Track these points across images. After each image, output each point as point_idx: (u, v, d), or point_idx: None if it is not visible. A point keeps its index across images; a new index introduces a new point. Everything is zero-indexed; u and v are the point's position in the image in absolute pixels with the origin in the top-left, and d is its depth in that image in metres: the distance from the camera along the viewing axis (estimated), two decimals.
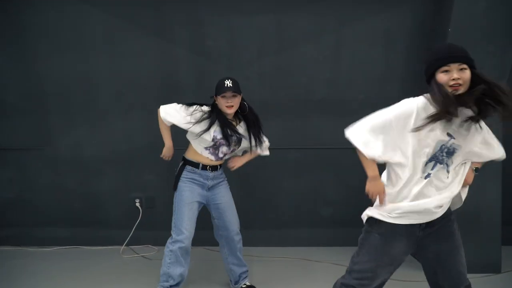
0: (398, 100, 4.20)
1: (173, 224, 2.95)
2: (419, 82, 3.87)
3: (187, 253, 2.95)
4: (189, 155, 3.00)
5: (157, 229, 4.01)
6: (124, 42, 4.02)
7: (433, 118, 1.79)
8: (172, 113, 2.91)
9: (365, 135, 1.92)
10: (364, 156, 1.93)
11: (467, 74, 1.77)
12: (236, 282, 3.18)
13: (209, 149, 2.95)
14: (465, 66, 1.76)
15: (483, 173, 3.58)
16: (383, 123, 1.90)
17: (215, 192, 3.03)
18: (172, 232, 2.95)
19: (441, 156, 1.89)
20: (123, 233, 4.14)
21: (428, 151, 1.87)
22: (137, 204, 4.17)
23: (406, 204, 1.93)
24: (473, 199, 3.51)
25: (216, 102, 2.90)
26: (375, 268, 1.97)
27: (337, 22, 3.96)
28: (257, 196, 4.15)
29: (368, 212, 2.06)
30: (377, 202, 2.04)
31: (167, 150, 3.08)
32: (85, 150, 4.19)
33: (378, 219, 1.99)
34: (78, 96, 4.11)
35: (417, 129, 1.81)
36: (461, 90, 1.77)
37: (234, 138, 2.94)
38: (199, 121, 2.83)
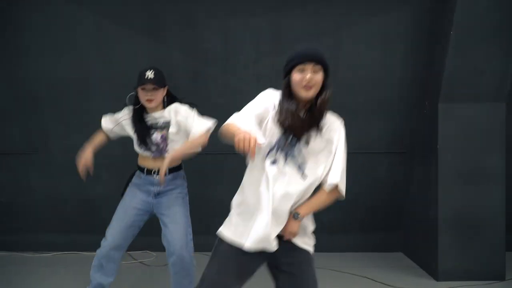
0: (397, 104, 4.18)
1: None
2: (417, 86, 3.88)
3: (110, 261, 2.69)
4: (138, 160, 2.80)
5: (153, 235, 3.93)
6: (118, 44, 3.98)
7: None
8: (108, 119, 2.87)
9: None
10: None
11: (320, 76, 1.80)
12: None
13: (141, 145, 2.69)
14: (319, 67, 1.79)
15: (486, 179, 3.58)
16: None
17: (160, 201, 2.70)
18: None
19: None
20: None
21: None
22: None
23: None
24: (477, 206, 3.50)
25: (137, 93, 2.63)
26: None
27: (335, 24, 3.93)
28: None
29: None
30: None
31: (84, 153, 2.80)
32: (79, 154, 4.13)
33: None
34: (72, 99, 4.08)
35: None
36: (312, 92, 1.79)
37: (159, 123, 2.66)
38: (120, 122, 2.75)
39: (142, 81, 2.54)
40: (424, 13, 3.78)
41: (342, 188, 1.83)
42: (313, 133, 1.81)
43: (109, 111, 4.00)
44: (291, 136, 1.80)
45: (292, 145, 1.81)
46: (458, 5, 3.30)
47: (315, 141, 1.82)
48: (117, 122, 2.79)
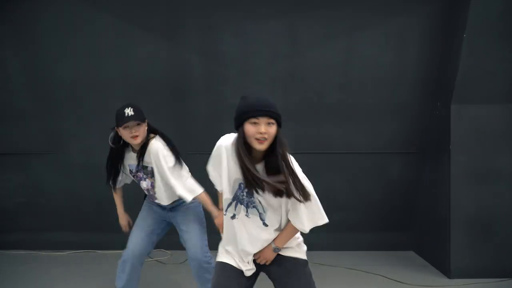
0: (409, 105, 4.22)
1: None
2: (430, 87, 3.95)
3: (132, 268, 2.77)
4: None
5: (169, 234, 4.01)
6: (138, 47, 4.07)
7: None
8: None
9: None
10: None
11: (273, 129, 1.80)
12: None
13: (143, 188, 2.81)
14: (273, 121, 1.80)
15: (498, 179, 3.64)
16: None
17: (176, 214, 2.82)
18: None
19: (242, 196, 1.94)
20: None
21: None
22: None
23: None
24: (489, 205, 3.56)
25: (119, 133, 2.61)
26: None
27: (349, 27, 3.99)
28: None
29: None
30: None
31: (121, 218, 3.01)
32: (97, 155, 4.20)
33: None
34: (91, 101, 4.17)
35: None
36: (266, 144, 1.79)
37: (148, 168, 2.68)
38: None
39: (123, 120, 2.50)
40: (437, 15, 3.84)
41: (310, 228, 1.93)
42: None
43: None
44: (245, 190, 1.88)
45: (250, 196, 1.89)
46: (471, 7, 3.36)
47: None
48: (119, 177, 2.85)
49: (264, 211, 1.91)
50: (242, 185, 1.89)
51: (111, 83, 4.14)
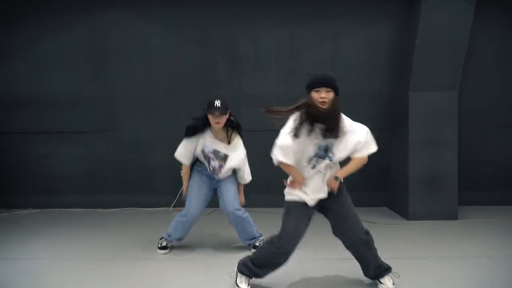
0: (381, 91, 5.12)
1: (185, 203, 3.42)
2: (393, 78, 4.97)
3: (191, 224, 3.39)
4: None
5: None
6: (177, 51, 5.04)
7: (300, 121, 2.50)
8: (183, 152, 3.35)
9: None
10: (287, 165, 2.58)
11: (331, 95, 2.47)
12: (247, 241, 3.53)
13: (205, 163, 3.33)
14: (330, 89, 2.46)
15: (443, 149, 4.49)
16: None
17: (222, 182, 3.39)
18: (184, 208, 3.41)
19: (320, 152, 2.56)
20: (170, 198, 4.95)
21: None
22: (181, 174, 5.10)
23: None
24: (437, 168, 4.55)
25: (207, 116, 3.22)
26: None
27: (334, 34, 4.99)
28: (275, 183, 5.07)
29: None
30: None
31: (185, 188, 3.43)
32: (143, 133, 5.20)
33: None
34: (140, 92, 5.13)
35: (295, 134, 2.51)
36: (326, 106, 2.46)
37: (220, 154, 3.28)
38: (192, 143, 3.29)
39: (212, 109, 3.14)
40: (399, 25, 4.81)
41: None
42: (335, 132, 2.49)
43: (168, 101, 5.08)
44: (324, 144, 2.50)
45: (324, 150, 2.53)
46: (421, 21, 4.33)
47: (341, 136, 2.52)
48: (191, 152, 3.35)
49: (333, 154, 2.54)
50: (319, 145, 2.52)
51: (156, 79, 5.10)
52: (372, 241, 2.68)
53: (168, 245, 3.55)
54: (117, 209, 5.20)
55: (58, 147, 5.29)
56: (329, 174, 2.62)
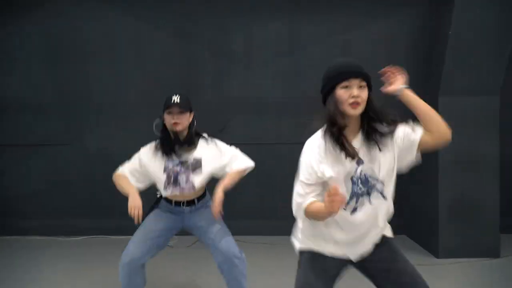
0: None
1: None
2: (417, 81, 4.22)
3: (135, 272, 2.60)
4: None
5: None
6: (155, 45, 4.48)
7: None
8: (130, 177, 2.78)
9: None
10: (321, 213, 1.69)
11: (365, 93, 1.66)
12: None
13: (169, 185, 2.60)
14: (364, 84, 1.66)
15: (481, 167, 3.91)
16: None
17: (194, 216, 2.69)
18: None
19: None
20: None
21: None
22: (158, 196, 4.47)
23: None
24: (473, 191, 3.86)
25: (164, 120, 2.58)
26: None
27: (343, 27, 4.39)
28: (271, 191, 4.40)
29: None
30: None
31: (132, 200, 2.56)
32: (113, 145, 4.57)
33: None
34: (108, 96, 4.55)
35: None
36: (359, 110, 1.65)
37: (190, 161, 2.59)
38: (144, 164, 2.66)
39: (168, 104, 2.51)
40: (424, 17, 4.18)
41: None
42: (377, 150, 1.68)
43: (143, 105, 4.43)
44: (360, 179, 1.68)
45: (366, 183, 1.70)
46: (455, 10, 3.66)
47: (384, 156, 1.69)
48: (142, 174, 2.70)
49: (383, 184, 1.74)
50: (354, 179, 1.71)
51: (129, 78, 4.55)
52: None
53: None
54: (82, 237, 4.60)
55: (11, 162, 4.72)
56: (383, 209, 1.80)
